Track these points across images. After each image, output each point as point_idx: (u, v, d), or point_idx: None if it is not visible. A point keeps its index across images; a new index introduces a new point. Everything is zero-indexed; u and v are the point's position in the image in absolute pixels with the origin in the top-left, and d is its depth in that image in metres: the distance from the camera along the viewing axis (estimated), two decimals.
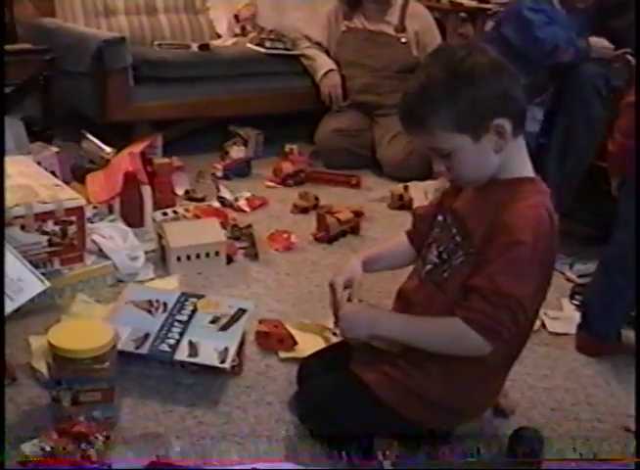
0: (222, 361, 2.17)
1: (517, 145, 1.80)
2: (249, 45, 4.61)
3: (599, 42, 3.22)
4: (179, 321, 2.31)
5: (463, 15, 5.15)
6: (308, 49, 4.56)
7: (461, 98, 1.70)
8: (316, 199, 3.64)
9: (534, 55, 3.23)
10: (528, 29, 3.23)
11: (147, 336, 2.24)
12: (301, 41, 4.60)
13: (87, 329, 2.02)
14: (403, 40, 4.41)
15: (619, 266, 2.48)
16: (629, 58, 3.17)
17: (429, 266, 1.93)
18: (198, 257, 2.93)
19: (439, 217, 1.97)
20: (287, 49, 4.57)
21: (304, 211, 3.59)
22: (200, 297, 2.44)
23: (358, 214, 3.42)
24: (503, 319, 1.73)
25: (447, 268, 1.87)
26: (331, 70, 4.47)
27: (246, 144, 4.30)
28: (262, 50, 4.51)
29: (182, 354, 2.19)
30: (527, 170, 1.84)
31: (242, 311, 2.36)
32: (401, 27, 4.44)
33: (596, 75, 3.09)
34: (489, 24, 4.74)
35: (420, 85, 1.75)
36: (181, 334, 2.26)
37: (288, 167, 3.99)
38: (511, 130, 1.74)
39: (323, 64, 4.50)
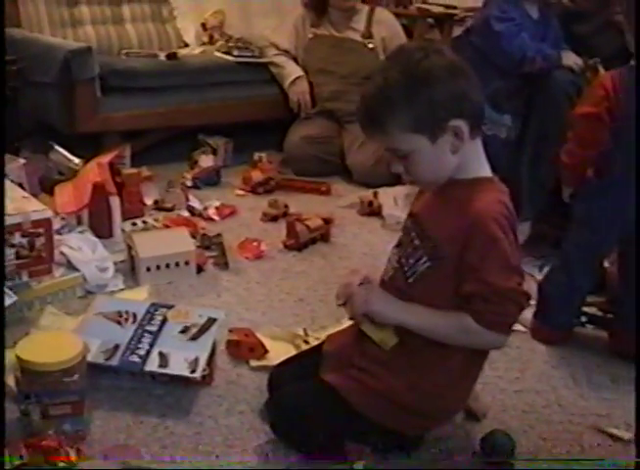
0: (193, 371, 2.16)
1: (474, 146, 1.83)
2: (216, 53, 4.60)
3: (570, 58, 3.22)
4: (149, 332, 2.30)
5: (430, 20, 5.17)
6: (276, 57, 4.56)
7: (418, 99, 1.72)
8: (286, 206, 3.64)
9: (502, 64, 3.25)
10: (496, 41, 3.23)
11: (117, 347, 2.23)
12: (269, 49, 4.59)
13: (56, 342, 2.01)
14: (370, 46, 4.43)
15: (578, 265, 2.59)
16: (599, 68, 3.19)
17: (391, 272, 1.95)
18: (167, 266, 2.92)
19: (406, 223, 1.99)
20: (255, 57, 4.57)
21: (274, 218, 3.59)
22: (169, 307, 2.43)
23: (328, 221, 3.42)
24: (511, 311, 1.77)
25: (412, 274, 1.87)
26: (299, 78, 4.48)
27: (215, 153, 4.29)
28: (230, 58, 4.50)
29: (152, 365, 2.18)
30: (485, 171, 1.86)
31: (212, 321, 2.36)
32: (368, 34, 4.45)
33: (567, 82, 3.11)
34: (457, 30, 4.77)
35: (377, 87, 1.77)
36: (151, 345, 2.25)
37: (257, 176, 3.98)
38: (468, 131, 1.76)
39: (291, 71, 4.50)
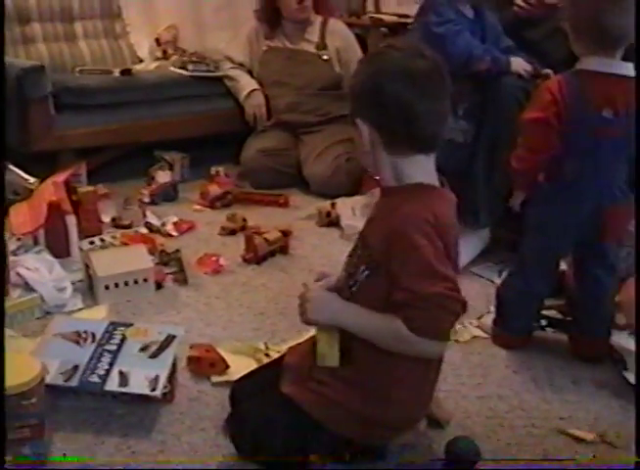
0: (153, 389, 2.14)
1: (425, 159, 1.85)
2: (171, 68, 4.60)
3: (519, 64, 3.24)
4: (108, 351, 2.28)
5: (384, 30, 5.18)
6: (231, 70, 4.55)
7: (377, 96, 1.79)
8: (244, 220, 3.63)
9: (450, 67, 3.26)
10: (440, 44, 3.23)
11: (76, 368, 2.21)
12: (224, 62, 4.59)
13: (13, 364, 1.97)
14: (325, 57, 4.44)
15: (534, 270, 2.60)
16: (550, 74, 3.22)
17: (342, 281, 1.95)
18: (126, 284, 2.90)
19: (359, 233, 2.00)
20: (209, 71, 4.57)
21: (232, 232, 3.58)
22: (128, 325, 2.41)
23: (286, 234, 3.41)
24: (440, 316, 1.74)
25: (354, 283, 1.88)
26: (254, 91, 4.48)
27: (171, 168, 4.28)
28: (185, 73, 4.50)
29: (112, 385, 2.17)
30: (427, 178, 1.86)
31: (172, 337, 2.34)
32: (322, 45, 4.46)
33: (517, 88, 3.12)
34: (411, 37, 4.78)
35: (354, 79, 1.90)
36: (111, 364, 2.23)
37: (215, 190, 3.97)
38: (413, 145, 1.82)
39: (246, 84, 4.50)
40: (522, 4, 3.44)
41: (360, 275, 1.86)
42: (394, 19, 5.14)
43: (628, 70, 2.40)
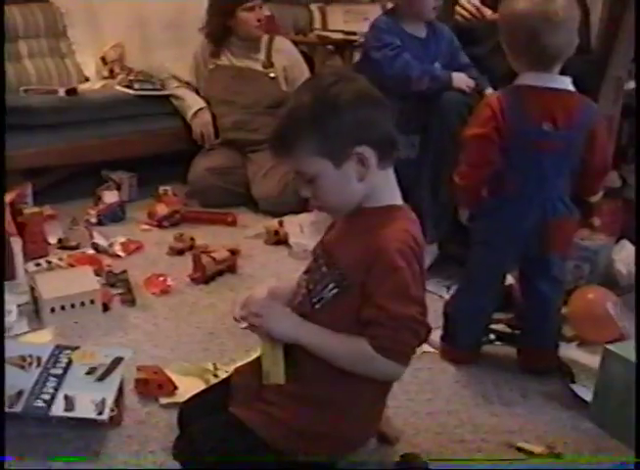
0: (100, 413, 2.12)
1: (385, 175, 1.84)
2: (117, 87, 4.55)
3: (461, 79, 3.28)
4: (54, 375, 2.25)
5: (330, 47, 5.20)
6: (178, 89, 4.54)
7: (323, 124, 1.74)
8: (192, 239, 3.61)
9: (392, 88, 3.28)
10: (378, 69, 3.27)
11: (20, 393, 2.17)
12: (170, 81, 4.58)
13: None
14: (272, 75, 4.44)
15: (480, 284, 2.63)
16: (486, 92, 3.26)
17: (299, 298, 1.93)
18: (73, 306, 2.87)
19: (315, 249, 1.99)
20: (156, 90, 4.54)
21: (180, 252, 3.56)
22: (75, 348, 2.39)
23: (234, 252, 3.40)
24: (407, 339, 1.75)
25: (318, 300, 1.86)
26: (201, 109, 4.47)
27: (119, 188, 4.25)
28: (131, 92, 4.47)
29: (58, 409, 2.14)
30: (396, 199, 1.87)
31: (119, 360, 2.32)
32: (269, 63, 4.47)
33: (459, 103, 3.15)
34: (357, 55, 4.81)
35: (287, 110, 1.80)
36: (56, 388, 2.20)
37: (162, 209, 3.95)
38: (375, 160, 1.77)
39: (193, 103, 4.49)
40: (463, 12, 3.47)
41: (327, 293, 1.84)
42: (341, 36, 5.17)
43: (566, 84, 2.45)
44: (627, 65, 4.50)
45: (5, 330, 2.68)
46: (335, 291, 1.83)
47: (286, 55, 4.53)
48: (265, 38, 4.52)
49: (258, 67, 4.47)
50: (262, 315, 1.86)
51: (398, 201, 1.88)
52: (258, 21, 4.39)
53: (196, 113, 4.47)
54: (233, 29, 4.44)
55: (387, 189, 1.86)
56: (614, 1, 3.83)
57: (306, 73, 4.46)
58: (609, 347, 2.33)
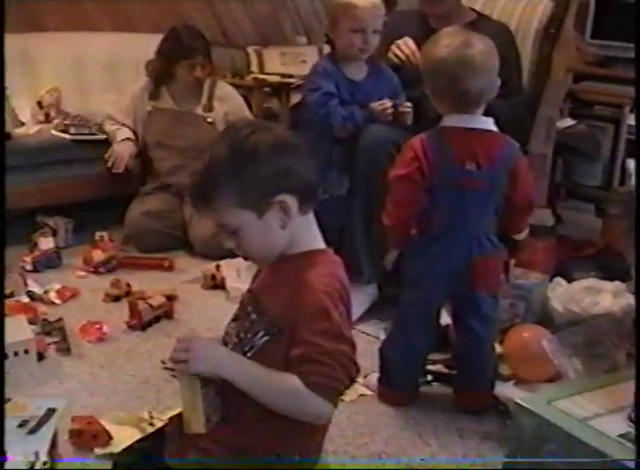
0: (32, 466, 2.08)
1: (306, 220, 1.86)
2: (53, 132, 4.51)
3: (377, 109, 3.30)
4: None
5: (267, 90, 5.23)
6: (114, 130, 4.51)
7: (242, 175, 1.75)
8: (128, 286, 3.58)
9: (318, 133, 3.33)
10: (309, 112, 3.32)
11: None
12: (106, 121, 4.55)
13: None
14: (209, 120, 4.44)
15: (413, 325, 2.64)
16: (406, 110, 3.31)
17: (230, 347, 1.92)
18: (5, 357, 2.82)
19: (243, 297, 1.99)
20: (92, 134, 4.50)
21: (117, 299, 3.52)
22: (6, 400, 2.34)
23: (171, 298, 3.39)
24: (339, 375, 1.74)
25: (250, 348, 1.86)
26: (128, 138, 4.45)
27: (55, 234, 4.19)
28: (67, 136, 4.42)
29: None
30: (318, 244, 1.89)
31: (52, 411, 2.28)
32: (209, 107, 4.47)
33: (387, 141, 3.18)
34: (295, 97, 4.85)
35: (205, 163, 1.80)
36: None
37: (98, 255, 3.91)
38: (297, 206, 1.79)
39: (122, 134, 4.46)
40: (398, 53, 3.52)
41: (257, 340, 1.84)
42: (278, 78, 5.21)
43: (488, 124, 2.52)
44: (558, 104, 4.61)
45: None
46: (265, 338, 1.84)
47: (227, 101, 4.54)
48: (208, 82, 4.52)
49: (199, 110, 4.47)
50: (187, 349, 1.81)
51: (321, 244, 1.90)
52: (203, 67, 4.40)
53: (122, 140, 4.44)
54: (174, 76, 4.45)
55: (308, 234, 1.88)
56: (542, 42, 3.93)
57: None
58: (518, 401, 2.29)
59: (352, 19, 3.28)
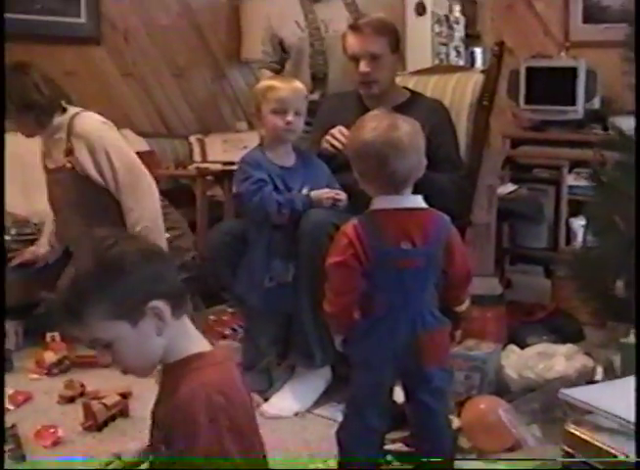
0: None
1: (181, 324, 1.88)
2: None
3: (319, 197, 3.36)
4: None
5: (210, 178, 5.27)
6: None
7: (113, 286, 1.75)
8: (82, 386, 3.54)
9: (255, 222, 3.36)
10: (241, 202, 3.36)
11: None
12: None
13: None
14: None
15: (366, 406, 2.61)
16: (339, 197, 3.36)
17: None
18: None
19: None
20: (33, 234, 4.48)
21: (71, 400, 3.47)
22: None
23: (125, 396, 3.36)
24: None
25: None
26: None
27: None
28: (7, 237, 4.38)
29: None
30: (196, 346, 1.89)
31: None
32: None
33: (326, 223, 3.21)
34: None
35: (69, 279, 1.78)
36: None
37: (50, 357, 3.86)
38: (170, 311, 1.80)
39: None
40: (334, 142, 3.56)
41: (165, 453, 1.83)
42: (219, 167, 5.26)
43: (418, 202, 2.56)
44: (498, 171, 4.70)
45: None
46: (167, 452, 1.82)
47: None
48: None
49: None
50: None
51: (201, 347, 1.89)
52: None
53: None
54: None
55: (185, 338, 1.88)
56: (477, 115, 4.00)
57: None
58: None
59: (273, 100, 3.34)
